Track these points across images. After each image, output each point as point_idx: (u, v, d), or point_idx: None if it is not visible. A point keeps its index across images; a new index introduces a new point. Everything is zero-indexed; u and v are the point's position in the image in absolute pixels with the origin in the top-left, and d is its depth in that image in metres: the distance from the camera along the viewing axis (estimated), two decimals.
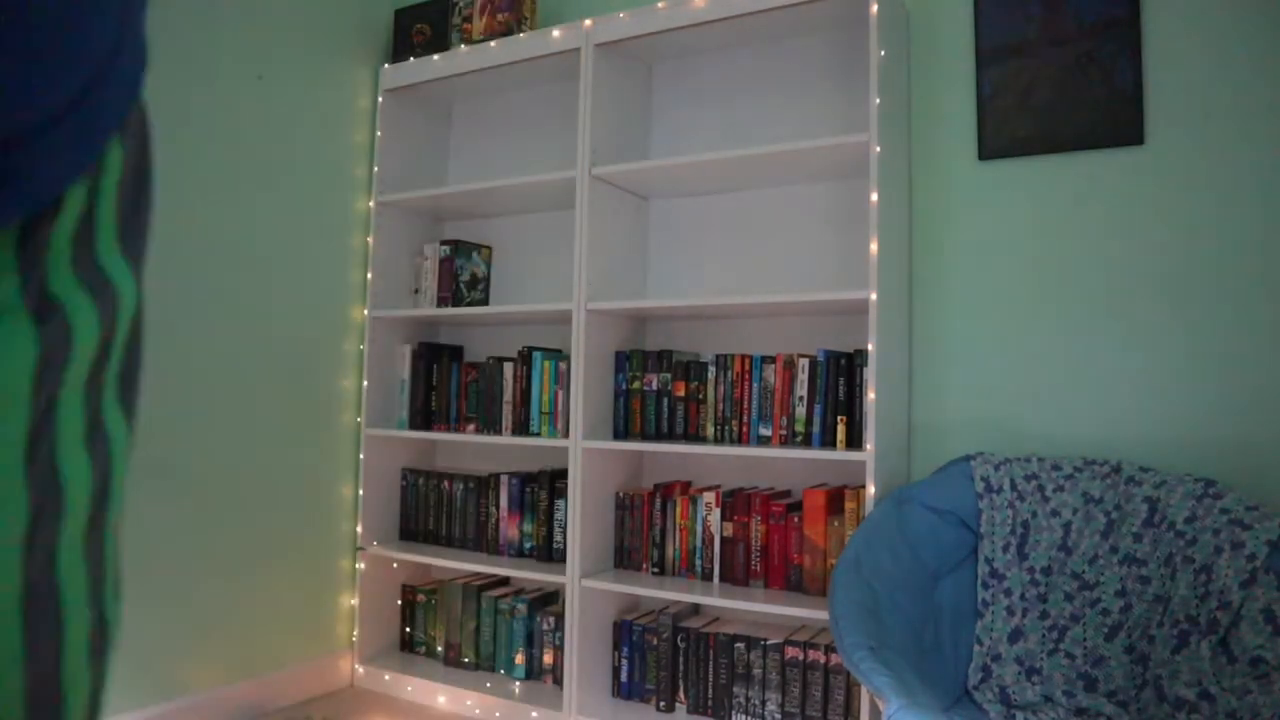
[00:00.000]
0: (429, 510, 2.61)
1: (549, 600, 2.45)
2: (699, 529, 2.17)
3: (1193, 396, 1.88)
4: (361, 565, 2.58)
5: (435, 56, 2.57)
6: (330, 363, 2.58)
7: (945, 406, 2.11)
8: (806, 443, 2.05)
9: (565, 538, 2.27)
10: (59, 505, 0.39)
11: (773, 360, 2.12)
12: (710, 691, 2.13)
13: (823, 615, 1.87)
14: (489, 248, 2.73)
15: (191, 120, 2.21)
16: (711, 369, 2.18)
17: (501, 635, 2.43)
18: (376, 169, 2.66)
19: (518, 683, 2.38)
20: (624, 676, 2.25)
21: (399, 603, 2.68)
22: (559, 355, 2.39)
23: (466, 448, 2.77)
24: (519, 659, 2.40)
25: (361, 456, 2.61)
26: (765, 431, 2.11)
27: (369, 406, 2.62)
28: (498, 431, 2.45)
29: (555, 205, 2.60)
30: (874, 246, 1.90)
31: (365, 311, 2.66)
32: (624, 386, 2.31)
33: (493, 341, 2.75)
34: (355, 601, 2.60)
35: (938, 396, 2.12)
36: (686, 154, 2.18)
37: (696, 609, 2.32)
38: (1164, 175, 1.92)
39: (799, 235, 2.28)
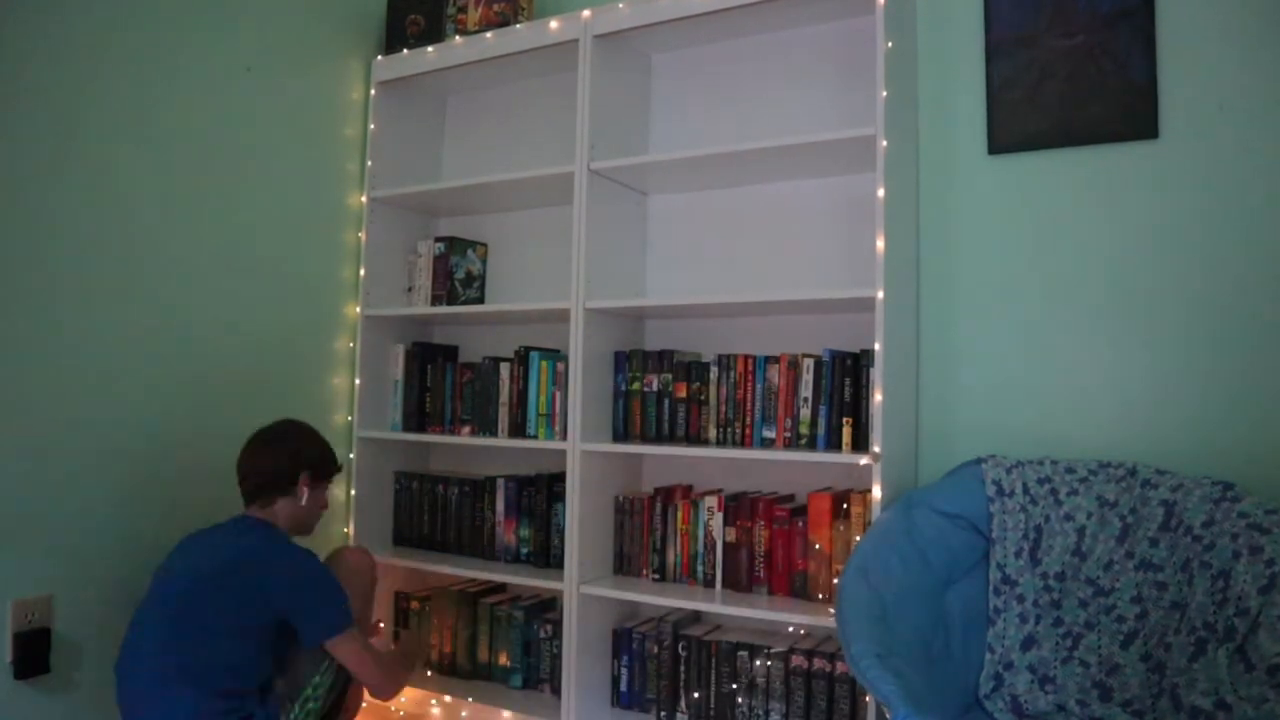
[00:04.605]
0: (423, 515, 2.56)
1: (546, 607, 2.40)
2: (701, 534, 2.13)
3: (1210, 397, 1.84)
4: None
5: (429, 48, 2.53)
6: (321, 362, 2.54)
7: (954, 408, 2.07)
8: (811, 445, 2.01)
9: (563, 543, 2.23)
10: None
11: (776, 360, 2.07)
12: (712, 701, 2.09)
13: (828, 622, 1.84)
14: (484, 245, 2.69)
15: (177, 114, 2.16)
16: (713, 369, 2.14)
17: (498, 643, 2.38)
18: (369, 163, 2.62)
19: (514, 692, 2.33)
20: (623, 686, 2.21)
21: (393, 610, 2.62)
22: (557, 355, 2.34)
23: (462, 450, 2.72)
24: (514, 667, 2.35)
25: (353, 458, 2.55)
26: (769, 434, 2.07)
27: (361, 408, 2.57)
28: (494, 434, 2.41)
29: (552, 201, 2.55)
30: (880, 243, 1.86)
31: (357, 310, 2.61)
32: (623, 387, 2.27)
33: (488, 341, 2.70)
34: None
35: (946, 398, 2.08)
36: (687, 148, 2.14)
37: (698, 616, 2.27)
38: (1179, 169, 1.88)
39: (803, 231, 2.25)
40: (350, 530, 2.55)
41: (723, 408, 2.13)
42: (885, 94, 1.89)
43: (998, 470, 1.83)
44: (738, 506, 2.09)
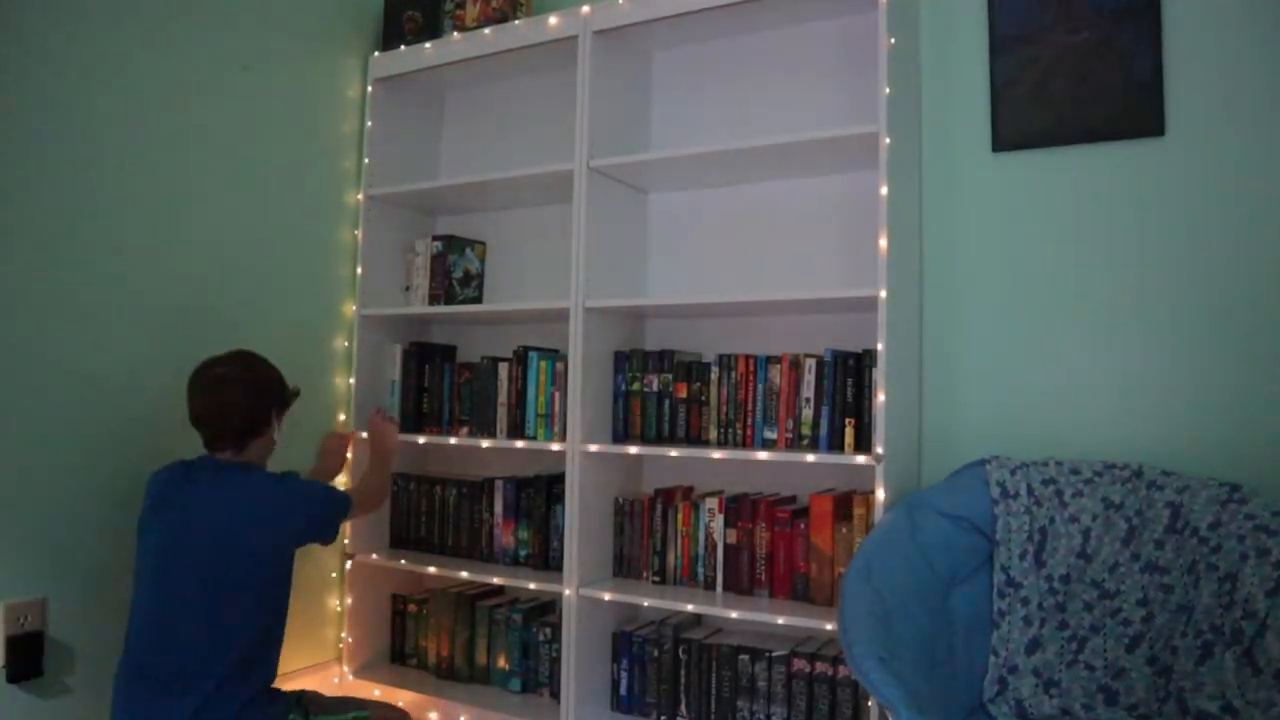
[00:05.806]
0: (420, 516, 2.54)
1: (545, 610, 2.38)
2: (701, 536, 2.11)
3: (1216, 397, 1.82)
4: (349, 570, 2.51)
5: (427, 44, 2.50)
6: (318, 362, 2.51)
7: (957, 408, 2.05)
8: (813, 446, 1.99)
9: (562, 545, 2.20)
10: None
11: (778, 360, 2.05)
12: (713, 705, 2.07)
13: (830, 626, 1.83)
14: (483, 243, 2.67)
15: (173, 112, 2.14)
16: (714, 369, 2.12)
17: (496, 646, 2.36)
18: (366, 161, 2.59)
19: (513, 696, 2.31)
20: (623, 689, 2.19)
21: (389, 613, 2.60)
22: (556, 355, 2.32)
23: (460, 451, 2.70)
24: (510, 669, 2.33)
25: (350, 458, 2.53)
26: (770, 434, 2.05)
27: (358, 408, 2.54)
28: (492, 434, 2.39)
29: (552, 199, 2.53)
30: (883, 242, 1.84)
31: (354, 309, 2.59)
32: (623, 388, 2.25)
33: (487, 341, 2.68)
34: (344, 611, 2.53)
35: (950, 398, 2.06)
36: (688, 145, 2.12)
37: (699, 619, 2.25)
38: (1185, 167, 1.87)
39: (805, 230, 2.23)
40: (347, 532, 2.53)
41: (724, 408, 2.11)
42: (888, 91, 1.87)
43: (1001, 471, 1.82)
44: (739, 508, 2.07)
